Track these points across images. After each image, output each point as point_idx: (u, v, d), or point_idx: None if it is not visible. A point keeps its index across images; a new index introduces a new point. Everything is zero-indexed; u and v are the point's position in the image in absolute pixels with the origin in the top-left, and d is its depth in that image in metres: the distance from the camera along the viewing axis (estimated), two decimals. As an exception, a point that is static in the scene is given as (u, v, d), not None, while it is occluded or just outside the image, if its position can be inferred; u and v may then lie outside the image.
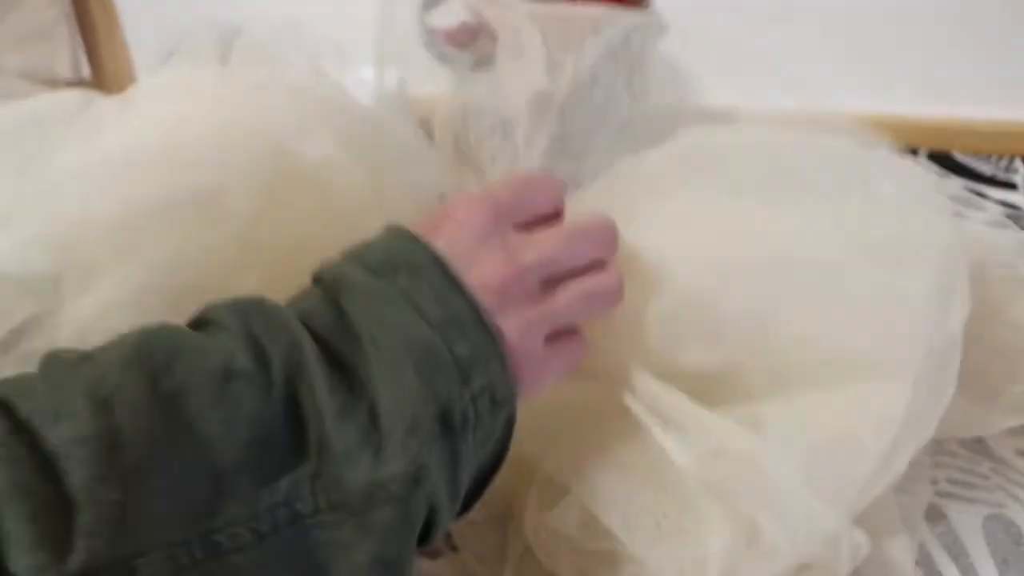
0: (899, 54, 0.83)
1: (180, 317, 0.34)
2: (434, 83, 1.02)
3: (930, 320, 0.41)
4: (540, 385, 0.38)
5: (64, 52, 1.00)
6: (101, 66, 1.02)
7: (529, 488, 0.44)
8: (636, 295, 0.43)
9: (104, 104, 0.74)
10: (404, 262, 0.35)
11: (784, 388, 0.43)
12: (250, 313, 0.32)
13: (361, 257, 0.36)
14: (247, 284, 0.41)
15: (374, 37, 0.98)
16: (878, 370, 0.41)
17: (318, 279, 0.36)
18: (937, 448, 0.49)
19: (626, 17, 0.77)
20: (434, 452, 0.32)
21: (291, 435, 0.30)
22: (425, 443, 0.31)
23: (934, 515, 0.47)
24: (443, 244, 0.36)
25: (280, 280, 0.42)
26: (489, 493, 0.39)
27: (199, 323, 0.33)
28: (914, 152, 0.82)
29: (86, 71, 1.03)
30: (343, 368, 0.32)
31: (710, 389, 0.43)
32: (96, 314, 0.58)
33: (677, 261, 0.44)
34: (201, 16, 1.17)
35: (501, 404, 0.35)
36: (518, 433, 0.38)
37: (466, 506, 0.37)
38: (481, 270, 0.36)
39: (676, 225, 0.47)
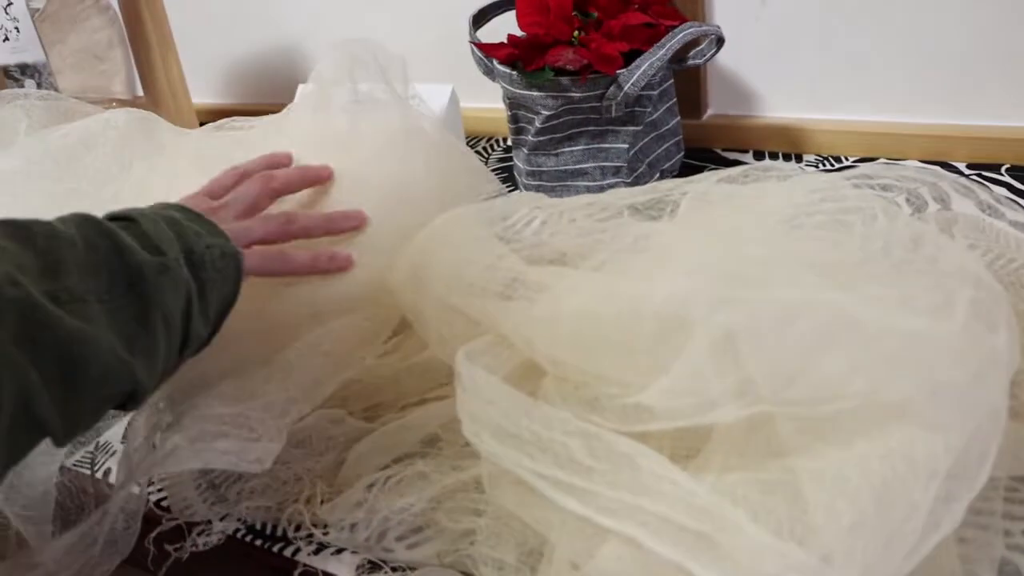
0: (975, 67, 0.82)
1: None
2: (487, 97, 1.03)
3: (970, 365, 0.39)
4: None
5: (120, 72, 1.02)
6: (154, 86, 1.03)
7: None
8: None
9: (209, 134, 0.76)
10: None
11: (817, 440, 0.41)
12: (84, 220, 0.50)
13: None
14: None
15: (427, 53, 0.99)
16: (917, 418, 0.39)
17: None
18: (1009, 496, 0.44)
19: (687, 27, 0.77)
20: (182, 268, 0.51)
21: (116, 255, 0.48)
22: (176, 256, 0.51)
23: (1009, 572, 0.43)
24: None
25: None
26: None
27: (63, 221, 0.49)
28: (995, 168, 0.82)
29: (140, 90, 1.05)
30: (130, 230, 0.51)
31: (741, 444, 0.42)
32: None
33: (705, 305, 0.42)
34: (252, 36, 1.19)
35: (227, 256, 0.54)
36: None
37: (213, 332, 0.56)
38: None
39: (704, 267, 0.46)
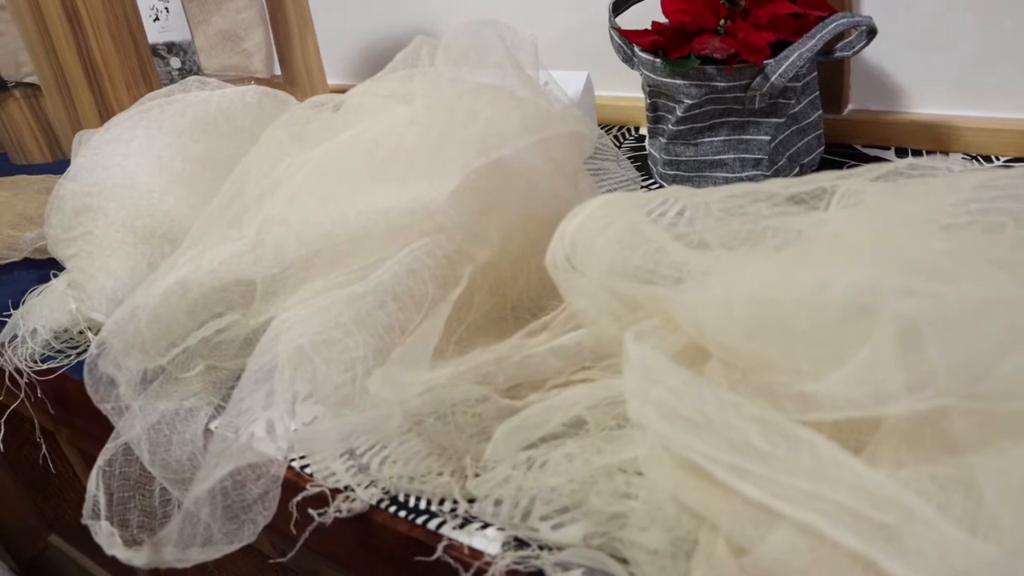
0: None
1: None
2: (621, 85, 1.03)
3: None
4: None
5: (259, 52, 1.04)
6: (292, 65, 1.05)
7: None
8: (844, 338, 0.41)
9: (311, 108, 0.77)
10: None
11: (1000, 437, 0.39)
12: None
13: None
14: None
15: (562, 39, 0.99)
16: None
17: None
18: None
19: (838, 18, 0.75)
20: None
21: None
22: None
23: None
24: None
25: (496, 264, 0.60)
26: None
27: None
28: None
29: (278, 70, 1.07)
30: None
31: (912, 438, 0.41)
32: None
33: (891, 295, 0.42)
34: (387, 18, 1.21)
35: None
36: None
37: None
38: None
39: (889, 258, 0.45)
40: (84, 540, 1.49)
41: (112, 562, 1.48)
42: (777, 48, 0.76)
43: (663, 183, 0.87)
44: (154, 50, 1.06)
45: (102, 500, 0.69)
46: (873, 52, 0.88)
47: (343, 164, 0.64)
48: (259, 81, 1.07)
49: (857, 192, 0.55)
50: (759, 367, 0.44)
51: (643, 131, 1.01)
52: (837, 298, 0.41)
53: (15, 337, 0.86)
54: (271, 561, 0.61)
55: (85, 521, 0.67)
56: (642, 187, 0.88)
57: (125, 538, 0.65)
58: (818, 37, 0.75)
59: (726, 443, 0.40)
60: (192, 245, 0.70)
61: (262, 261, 0.62)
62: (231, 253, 0.64)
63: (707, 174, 0.83)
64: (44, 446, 1.13)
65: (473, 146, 0.61)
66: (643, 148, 0.97)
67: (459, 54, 0.72)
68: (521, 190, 0.64)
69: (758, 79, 0.76)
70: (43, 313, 0.86)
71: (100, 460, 0.71)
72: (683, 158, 0.84)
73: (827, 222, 0.51)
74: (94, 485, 0.70)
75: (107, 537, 0.64)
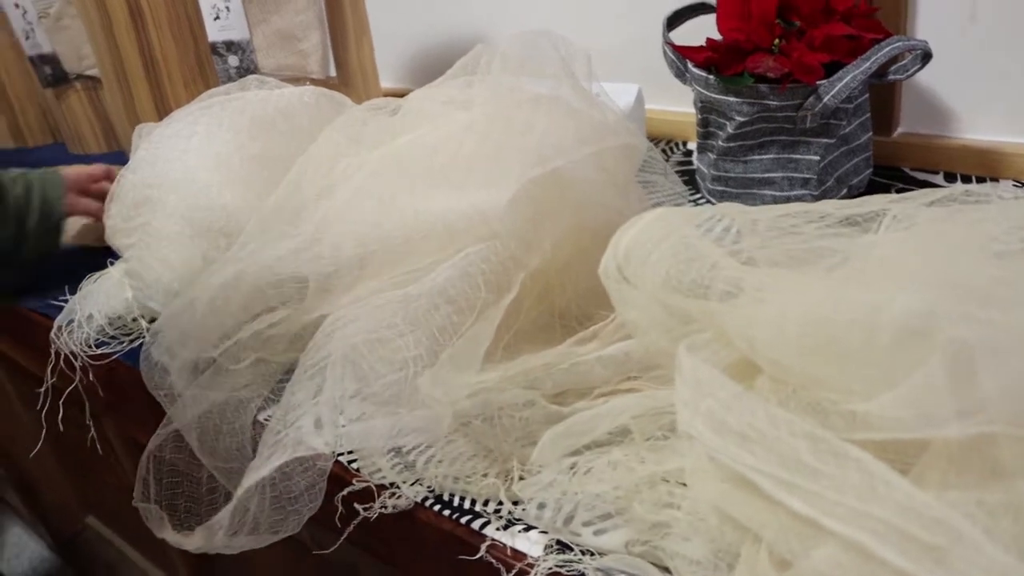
0: None
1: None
2: (673, 99, 1.04)
3: None
4: None
5: (317, 53, 1.06)
6: (348, 68, 1.07)
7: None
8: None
9: (369, 111, 0.79)
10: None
11: None
12: None
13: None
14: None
15: (614, 51, 1.00)
16: None
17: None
18: None
19: (893, 41, 0.76)
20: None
21: None
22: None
23: None
24: None
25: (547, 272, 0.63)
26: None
27: None
28: None
29: (333, 71, 1.09)
30: None
31: (960, 462, 0.41)
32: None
33: (947, 320, 0.42)
34: (441, 24, 1.23)
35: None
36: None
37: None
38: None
39: (945, 283, 0.45)
40: (121, 523, 1.52)
41: (146, 545, 1.51)
42: (830, 69, 0.77)
43: (710, 198, 0.88)
44: (213, 48, 1.08)
45: (152, 484, 0.71)
46: (926, 76, 0.89)
47: (402, 167, 0.66)
48: (314, 82, 1.09)
49: (909, 216, 0.56)
50: (809, 384, 0.45)
51: (691, 146, 1.02)
52: (892, 321, 0.41)
53: (71, 321, 0.88)
54: (315, 552, 0.62)
55: (136, 504, 0.69)
56: (689, 202, 0.89)
57: (172, 522, 0.67)
58: (873, 60, 0.75)
59: (776, 458, 0.41)
60: (249, 240, 0.72)
61: (320, 259, 0.64)
62: (289, 249, 0.66)
63: (755, 191, 0.84)
64: (92, 429, 1.15)
65: (530, 156, 0.62)
66: (690, 163, 0.98)
67: (516, 63, 0.73)
68: (574, 200, 0.65)
69: (810, 99, 0.77)
70: (99, 300, 0.89)
71: (151, 445, 0.73)
72: (732, 174, 0.84)
73: (880, 245, 0.51)
74: (144, 470, 0.72)
75: (156, 520, 0.66)
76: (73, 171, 0.97)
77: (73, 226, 1.00)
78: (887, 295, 0.42)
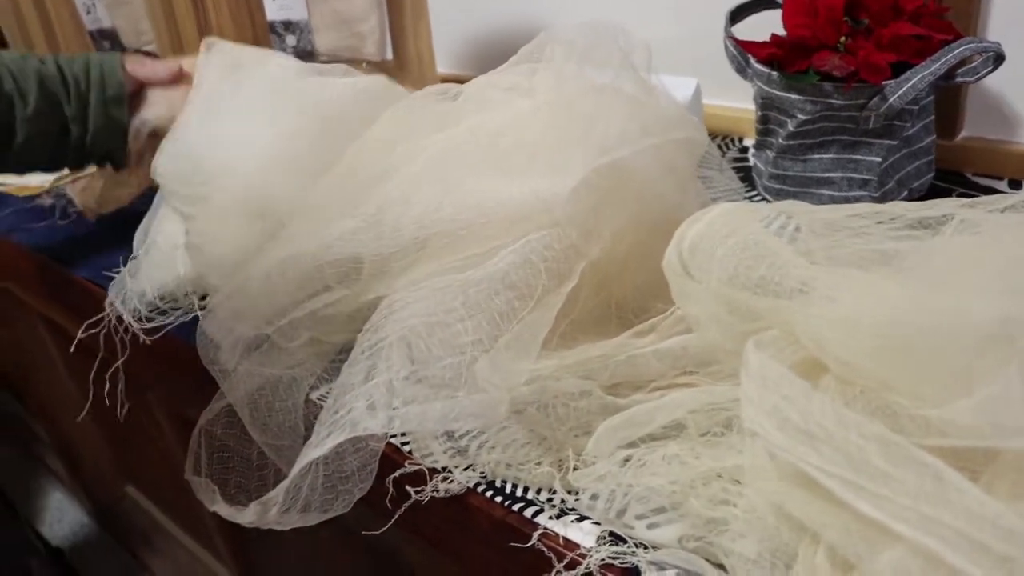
0: None
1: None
2: (731, 95, 1.03)
3: None
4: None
5: (374, 36, 1.06)
6: (404, 51, 1.07)
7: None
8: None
9: (430, 96, 0.79)
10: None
11: None
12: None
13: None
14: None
15: (671, 44, 0.99)
16: None
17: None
18: None
19: (965, 43, 0.74)
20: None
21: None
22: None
23: None
24: None
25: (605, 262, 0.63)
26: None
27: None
28: None
29: (390, 55, 1.09)
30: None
31: None
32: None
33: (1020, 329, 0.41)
34: (499, 11, 1.23)
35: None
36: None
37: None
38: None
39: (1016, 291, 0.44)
40: (160, 494, 1.54)
41: (184, 517, 1.53)
42: (897, 69, 0.76)
43: (767, 196, 0.87)
44: (271, 27, 1.09)
45: (203, 458, 0.72)
46: (993, 79, 0.87)
47: (464, 152, 0.66)
48: (370, 64, 1.09)
49: (976, 221, 0.55)
50: (879, 387, 0.44)
51: (747, 142, 1.01)
52: (970, 328, 0.41)
53: (123, 290, 0.89)
54: (363, 533, 0.63)
55: (188, 477, 0.70)
56: (744, 199, 0.88)
57: (224, 497, 0.67)
58: (942, 61, 0.74)
59: (844, 459, 0.41)
60: (305, 220, 0.72)
61: (379, 239, 0.64)
62: (348, 229, 0.66)
63: (813, 191, 0.83)
64: (137, 402, 1.17)
65: (593, 145, 0.62)
66: (746, 159, 0.97)
67: (580, 52, 0.73)
68: (635, 191, 0.65)
69: (875, 99, 0.76)
70: (152, 274, 0.90)
71: (202, 420, 0.74)
72: (790, 173, 0.83)
73: (950, 248, 0.51)
74: (196, 443, 0.73)
75: (208, 493, 0.67)
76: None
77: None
78: (966, 302, 0.42)
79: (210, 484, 0.68)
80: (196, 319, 0.82)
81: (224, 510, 0.63)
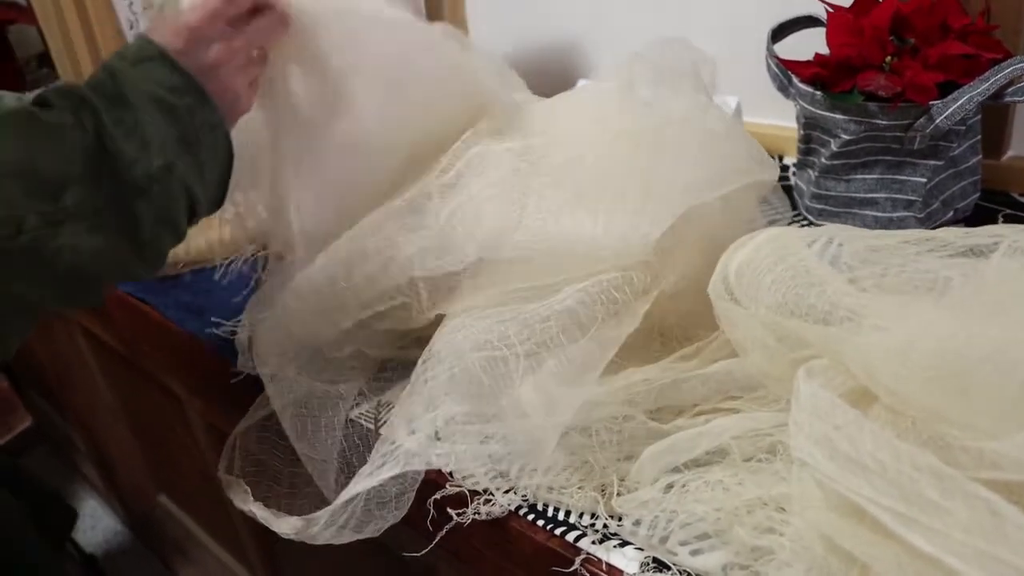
0: None
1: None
2: (772, 114, 1.02)
3: None
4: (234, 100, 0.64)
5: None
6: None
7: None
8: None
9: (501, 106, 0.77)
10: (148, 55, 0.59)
11: None
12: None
13: (122, 53, 0.59)
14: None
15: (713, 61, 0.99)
16: None
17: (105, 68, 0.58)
18: None
19: (1015, 62, 0.73)
20: (180, 157, 0.58)
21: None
22: (171, 150, 0.57)
23: None
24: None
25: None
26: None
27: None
28: None
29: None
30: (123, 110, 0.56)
31: None
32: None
33: None
34: (537, 27, 1.23)
35: (215, 127, 0.61)
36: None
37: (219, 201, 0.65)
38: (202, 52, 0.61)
39: None
40: (193, 504, 1.55)
41: (217, 527, 1.53)
42: (944, 89, 0.75)
43: (808, 216, 0.86)
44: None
45: (237, 460, 0.73)
46: (1040, 99, 0.86)
47: (534, 170, 0.66)
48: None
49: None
50: (931, 417, 0.44)
51: (787, 160, 1.00)
52: (1027, 359, 0.40)
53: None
54: (404, 555, 0.63)
55: (220, 475, 0.70)
56: (789, 220, 0.88)
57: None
58: (992, 81, 0.73)
59: (897, 491, 0.40)
60: (373, 232, 0.70)
61: (443, 260, 0.64)
62: (412, 244, 0.65)
63: (856, 211, 0.82)
64: (172, 412, 1.18)
65: (677, 189, 0.62)
66: (786, 178, 0.96)
67: (655, 74, 0.73)
68: (704, 232, 0.64)
69: (922, 120, 0.75)
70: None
71: (240, 426, 0.74)
72: (832, 193, 0.83)
73: (1004, 276, 0.50)
74: (231, 446, 0.74)
75: (241, 493, 0.67)
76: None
77: None
78: (1019, 331, 0.41)
79: (242, 484, 0.68)
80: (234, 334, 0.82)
81: (260, 512, 0.63)
